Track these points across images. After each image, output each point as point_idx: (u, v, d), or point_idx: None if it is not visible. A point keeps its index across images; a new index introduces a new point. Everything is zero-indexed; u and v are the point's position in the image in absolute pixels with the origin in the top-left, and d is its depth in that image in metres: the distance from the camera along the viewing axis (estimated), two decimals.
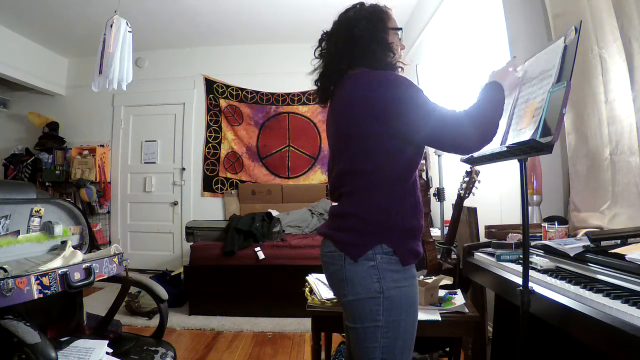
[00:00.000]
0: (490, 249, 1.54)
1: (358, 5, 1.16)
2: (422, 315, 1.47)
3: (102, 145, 4.70)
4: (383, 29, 1.12)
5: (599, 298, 0.90)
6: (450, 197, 2.20)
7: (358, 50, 1.10)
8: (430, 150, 2.68)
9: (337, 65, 1.14)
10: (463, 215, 2.05)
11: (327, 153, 4.50)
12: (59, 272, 1.32)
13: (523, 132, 1.04)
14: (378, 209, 1.05)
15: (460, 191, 1.95)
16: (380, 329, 1.02)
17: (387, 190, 1.05)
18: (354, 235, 1.06)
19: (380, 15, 1.14)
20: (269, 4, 3.63)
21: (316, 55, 1.20)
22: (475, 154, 1.23)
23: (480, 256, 1.55)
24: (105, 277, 1.55)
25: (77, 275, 1.40)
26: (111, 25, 2.73)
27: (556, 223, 1.44)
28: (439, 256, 2.06)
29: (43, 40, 4.43)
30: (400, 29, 1.17)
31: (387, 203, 1.05)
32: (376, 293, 1.02)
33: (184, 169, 4.72)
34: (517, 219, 1.89)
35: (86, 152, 4.51)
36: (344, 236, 1.07)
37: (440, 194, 2.42)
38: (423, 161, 1.21)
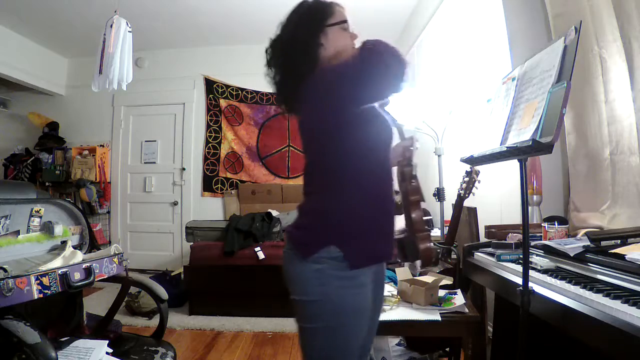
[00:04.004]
0: (490, 249, 1.53)
1: (295, 7, 1.14)
2: (422, 315, 1.47)
3: (102, 145, 4.70)
4: (314, 33, 1.08)
5: (599, 298, 0.90)
6: (450, 197, 2.20)
7: (289, 57, 1.09)
8: (430, 148, 2.68)
9: (285, 74, 1.12)
10: (463, 215, 2.05)
11: None
12: (59, 272, 1.33)
13: (523, 132, 1.04)
14: (331, 208, 1.04)
15: (460, 191, 1.95)
16: (321, 331, 1.01)
17: (340, 187, 1.04)
18: (306, 234, 1.05)
19: (310, 18, 1.10)
20: (269, 3, 3.62)
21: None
22: (476, 154, 1.23)
23: (480, 256, 1.55)
24: (105, 277, 1.55)
25: (77, 275, 1.40)
26: (111, 25, 2.73)
27: (556, 223, 1.44)
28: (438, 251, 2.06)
29: (43, 40, 4.43)
30: (336, 23, 1.11)
31: (340, 201, 1.03)
32: (318, 296, 1.00)
33: (184, 169, 4.72)
34: (517, 219, 1.88)
35: (86, 152, 4.51)
36: (297, 235, 1.07)
37: (440, 194, 2.42)
38: (412, 148, 1.20)
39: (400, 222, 1.15)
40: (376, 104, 1.09)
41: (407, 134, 1.24)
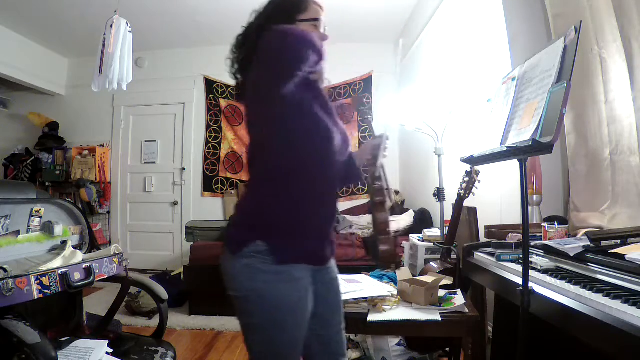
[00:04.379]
0: (490, 249, 1.53)
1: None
2: (422, 315, 1.47)
3: (102, 145, 4.70)
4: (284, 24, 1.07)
5: (599, 298, 0.90)
6: (450, 197, 2.20)
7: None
8: (430, 148, 2.67)
9: (246, 60, 1.11)
10: (463, 215, 2.05)
11: None
12: (59, 272, 1.33)
13: (523, 132, 1.04)
14: (259, 203, 1.05)
15: (460, 191, 1.95)
16: (256, 326, 1.02)
17: (270, 183, 1.04)
18: (235, 230, 1.07)
19: (283, 9, 1.10)
20: None
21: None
22: (476, 154, 1.23)
23: (480, 256, 1.55)
24: (105, 277, 1.55)
25: (77, 275, 1.40)
26: (111, 25, 2.73)
27: (556, 223, 1.43)
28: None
29: (43, 40, 4.43)
30: (307, 19, 1.10)
31: (269, 197, 1.03)
32: (248, 292, 1.01)
33: (184, 169, 4.72)
34: (517, 219, 1.89)
35: (86, 152, 4.51)
36: (229, 230, 1.08)
37: (440, 194, 2.42)
38: (381, 147, 1.18)
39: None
40: (318, 105, 1.07)
41: (379, 132, 1.23)
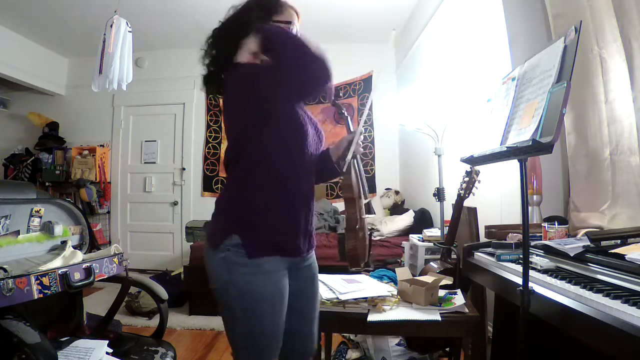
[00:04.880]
0: (490, 249, 1.53)
1: None
2: (422, 315, 1.47)
3: (102, 145, 4.70)
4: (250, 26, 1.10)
5: (599, 298, 0.90)
6: (450, 197, 2.20)
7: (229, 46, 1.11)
8: (430, 148, 2.67)
9: (218, 55, 1.15)
10: (463, 215, 2.05)
11: None
12: (59, 272, 1.33)
13: (523, 132, 1.04)
14: (232, 199, 1.10)
15: (460, 191, 1.94)
16: (236, 318, 1.06)
17: (243, 179, 1.09)
18: (214, 224, 1.12)
19: (259, 8, 1.12)
20: None
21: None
22: (476, 154, 1.23)
23: (480, 256, 1.55)
24: (105, 277, 1.55)
25: (77, 275, 1.40)
26: (111, 25, 2.73)
27: (556, 223, 1.43)
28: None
29: (43, 40, 4.43)
30: (281, 21, 1.14)
31: (241, 192, 1.08)
32: (226, 284, 1.05)
33: (184, 169, 4.72)
34: (517, 219, 1.89)
35: (86, 152, 4.51)
36: (210, 226, 1.13)
37: (440, 194, 2.42)
38: (353, 142, 1.20)
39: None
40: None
41: (359, 128, 1.23)
